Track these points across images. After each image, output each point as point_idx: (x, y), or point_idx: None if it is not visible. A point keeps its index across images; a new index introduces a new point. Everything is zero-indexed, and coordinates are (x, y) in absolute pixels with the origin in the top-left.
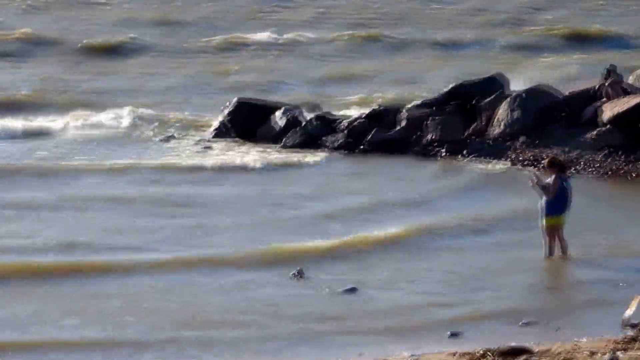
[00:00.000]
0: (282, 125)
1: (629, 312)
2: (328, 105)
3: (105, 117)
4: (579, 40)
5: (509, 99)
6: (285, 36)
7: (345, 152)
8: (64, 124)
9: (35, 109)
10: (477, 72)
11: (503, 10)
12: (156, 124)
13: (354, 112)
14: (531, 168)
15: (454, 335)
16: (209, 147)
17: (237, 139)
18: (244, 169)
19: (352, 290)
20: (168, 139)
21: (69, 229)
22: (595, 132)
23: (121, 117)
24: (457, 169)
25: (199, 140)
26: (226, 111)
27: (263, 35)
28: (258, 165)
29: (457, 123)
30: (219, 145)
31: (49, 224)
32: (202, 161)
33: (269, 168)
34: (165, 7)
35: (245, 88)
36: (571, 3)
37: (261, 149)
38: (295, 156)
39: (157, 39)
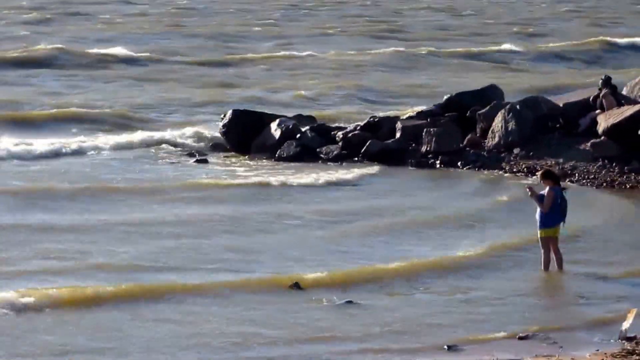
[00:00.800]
0: (278, 137)
1: (625, 325)
2: (351, 120)
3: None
4: (609, 50)
5: (504, 110)
6: (298, 49)
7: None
8: (89, 143)
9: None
10: (503, 83)
11: (513, 22)
12: (165, 138)
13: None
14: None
15: (451, 348)
16: (204, 160)
17: (232, 152)
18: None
19: (350, 302)
20: (164, 151)
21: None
22: (589, 144)
23: (135, 135)
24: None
25: (194, 152)
26: (221, 123)
27: (277, 49)
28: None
29: (453, 134)
30: (213, 158)
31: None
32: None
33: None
34: (180, 21)
35: (255, 101)
36: (577, 13)
37: (256, 162)
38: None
39: (170, 52)
